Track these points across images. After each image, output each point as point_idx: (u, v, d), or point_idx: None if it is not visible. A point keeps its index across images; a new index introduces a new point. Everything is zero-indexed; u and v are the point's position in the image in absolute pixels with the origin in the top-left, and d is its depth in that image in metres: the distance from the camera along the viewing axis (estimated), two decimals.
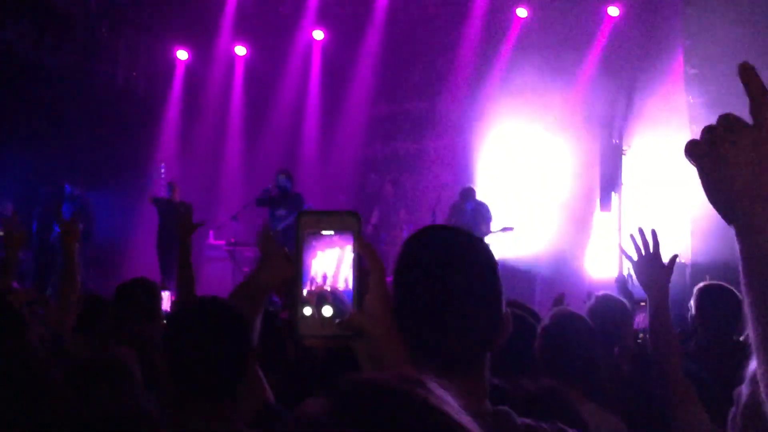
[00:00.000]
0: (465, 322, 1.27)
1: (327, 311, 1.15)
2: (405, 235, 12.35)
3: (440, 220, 10.52)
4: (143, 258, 11.43)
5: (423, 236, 1.37)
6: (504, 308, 1.33)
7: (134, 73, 13.64)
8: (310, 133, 14.13)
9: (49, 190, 11.46)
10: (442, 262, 1.30)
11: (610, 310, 3.91)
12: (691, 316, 3.90)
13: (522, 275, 10.55)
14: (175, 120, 13.76)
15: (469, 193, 10.28)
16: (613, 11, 11.67)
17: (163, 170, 11.86)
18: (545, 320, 3.20)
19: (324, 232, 1.17)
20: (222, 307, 2.07)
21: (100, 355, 2.34)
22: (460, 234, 1.36)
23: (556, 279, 10.61)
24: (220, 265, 12.08)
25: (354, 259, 1.17)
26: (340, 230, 1.18)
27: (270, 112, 13.85)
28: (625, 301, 4.17)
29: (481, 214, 10.06)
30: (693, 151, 1.10)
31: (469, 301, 1.28)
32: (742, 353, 2.99)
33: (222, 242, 12.48)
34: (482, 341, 1.30)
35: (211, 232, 12.53)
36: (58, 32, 12.17)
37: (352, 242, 1.17)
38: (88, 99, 12.32)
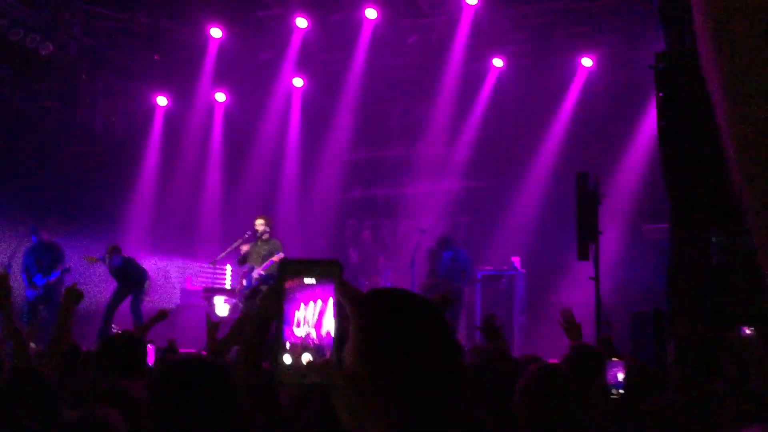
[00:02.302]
0: (429, 385, 1.28)
1: (306, 359, 1.16)
2: (383, 280, 12.35)
3: (419, 266, 10.52)
4: (120, 307, 11.29)
5: (379, 304, 1.35)
6: (455, 338, 1.36)
7: (113, 119, 13.63)
8: (289, 178, 14.17)
9: (22, 234, 11.31)
10: (399, 331, 1.29)
11: (586, 360, 3.93)
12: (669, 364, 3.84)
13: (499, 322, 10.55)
14: (154, 165, 13.74)
15: (446, 241, 10.32)
16: (587, 62, 11.92)
17: None
18: (523, 376, 3.21)
19: (306, 281, 1.18)
20: (205, 366, 2.07)
21: (87, 416, 2.30)
22: (410, 297, 1.36)
23: (534, 326, 10.65)
24: (197, 311, 11.98)
25: (335, 308, 1.18)
26: (321, 279, 1.19)
27: (249, 158, 13.89)
28: (600, 352, 4.18)
29: (459, 263, 10.09)
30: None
31: (417, 347, 1.29)
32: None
33: (199, 288, 12.41)
34: (442, 376, 1.31)
35: (188, 278, 12.46)
36: (37, 77, 12.17)
37: (332, 291, 1.18)
38: (66, 144, 12.28)
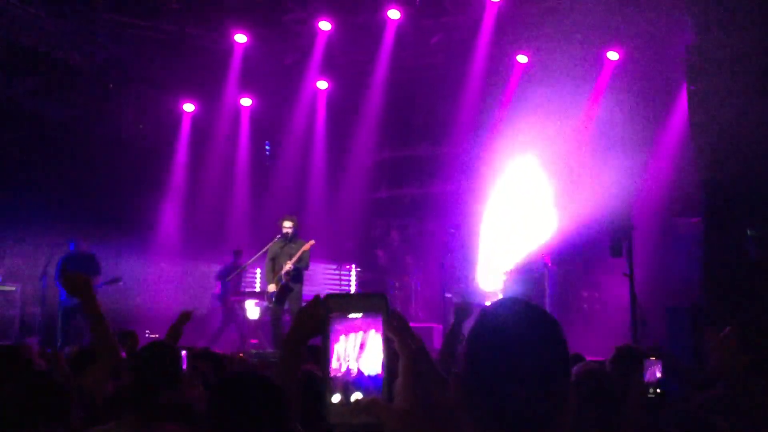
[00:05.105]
0: (532, 398, 1.30)
1: (356, 398, 1.13)
2: (412, 280, 12.34)
3: (449, 266, 10.47)
4: (151, 311, 11.40)
5: (498, 310, 1.40)
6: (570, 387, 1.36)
7: (141, 126, 13.76)
8: (316, 180, 14.21)
9: (55, 243, 11.42)
10: (515, 339, 1.33)
11: (630, 361, 3.90)
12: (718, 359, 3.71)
13: None
14: (182, 171, 13.85)
15: None
16: (613, 55, 11.81)
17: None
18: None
19: (351, 315, 1.16)
20: (261, 383, 2.09)
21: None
22: (535, 310, 1.39)
23: (569, 322, 10.56)
24: (219, 320, 12.05)
25: (383, 343, 1.15)
26: (367, 312, 1.16)
27: (276, 162, 13.95)
28: (641, 350, 4.15)
29: None
30: None
31: (539, 379, 1.31)
32: None
33: None
34: (549, 414, 1.32)
35: (218, 283, 12.54)
36: (65, 86, 12.31)
37: (380, 325, 1.15)
38: (95, 152, 12.40)
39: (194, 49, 12.92)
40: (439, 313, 10.54)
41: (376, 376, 1.14)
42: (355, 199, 13.91)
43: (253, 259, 10.72)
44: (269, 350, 9.46)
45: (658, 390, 3.63)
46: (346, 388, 1.13)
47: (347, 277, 13.59)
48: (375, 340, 1.15)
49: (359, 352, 1.14)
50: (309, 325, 1.91)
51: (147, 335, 10.84)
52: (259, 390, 2.04)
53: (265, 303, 10.48)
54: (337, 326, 1.15)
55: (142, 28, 12.49)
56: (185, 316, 5.44)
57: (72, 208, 11.53)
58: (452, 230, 10.50)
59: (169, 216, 13.48)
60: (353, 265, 13.48)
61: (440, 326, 10.42)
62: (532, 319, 1.37)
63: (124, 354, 4.66)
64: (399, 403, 1.14)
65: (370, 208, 14.19)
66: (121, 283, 10.84)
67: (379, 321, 1.16)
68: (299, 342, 1.99)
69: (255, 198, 13.97)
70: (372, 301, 1.18)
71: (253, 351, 9.51)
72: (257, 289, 13.11)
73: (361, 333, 1.15)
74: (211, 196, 13.76)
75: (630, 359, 3.84)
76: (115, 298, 10.79)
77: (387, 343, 1.16)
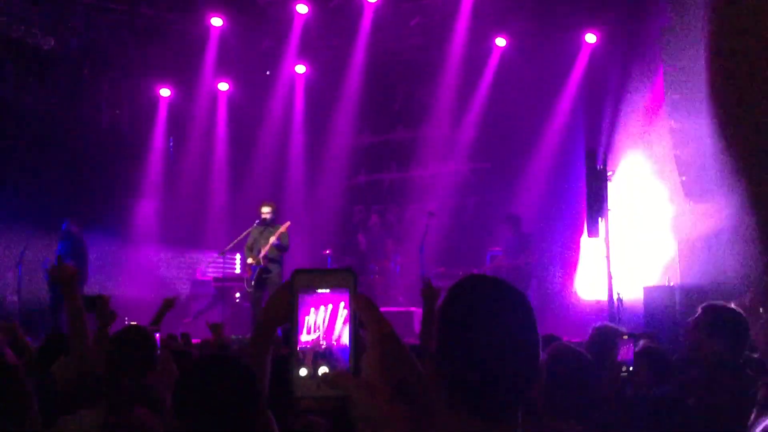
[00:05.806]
0: (505, 373, 1.33)
1: (323, 371, 1.14)
2: (392, 265, 12.33)
3: (429, 250, 10.48)
4: (128, 298, 11.31)
5: (467, 287, 1.42)
6: (540, 361, 1.40)
7: (118, 112, 13.63)
8: (295, 165, 14.16)
9: (31, 231, 11.30)
10: (484, 315, 1.36)
11: (607, 341, 3.91)
12: (693, 340, 3.69)
13: None
14: (160, 157, 13.74)
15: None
16: (591, 38, 11.82)
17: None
18: (542, 357, 3.19)
19: (319, 290, 1.17)
20: (230, 364, 2.08)
21: (123, 420, 2.30)
22: (503, 287, 1.41)
23: (545, 304, 10.63)
24: (207, 301, 12.03)
25: (350, 316, 1.16)
26: (335, 287, 1.17)
27: (254, 147, 13.86)
28: (618, 329, 4.17)
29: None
30: None
31: (510, 354, 1.34)
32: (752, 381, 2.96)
33: (209, 278, 12.43)
34: (519, 391, 1.36)
35: (198, 269, 12.48)
36: (40, 74, 12.15)
37: (348, 299, 1.16)
38: (72, 139, 12.29)
39: (170, 33, 12.79)
40: (419, 298, 10.58)
41: (344, 349, 1.14)
42: (335, 184, 13.89)
43: (232, 243, 10.67)
44: (249, 336, 9.45)
45: (631, 368, 3.66)
46: (314, 361, 1.14)
47: (327, 263, 13.58)
48: (343, 314, 1.16)
49: (327, 325, 1.15)
50: (281, 309, 1.90)
51: (126, 322, 10.78)
52: (226, 372, 2.02)
53: (245, 288, 10.48)
54: (306, 299, 1.16)
55: (117, 13, 12.33)
56: (169, 303, 5.42)
57: (48, 196, 11.43)
58: (430, 214, 10.46)
59: (147, 202, 13.39)
60: (332, 250, 13.46)
61: (420, 310, 10.44)
62: (500, 295, 1.39)
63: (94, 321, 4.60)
64: (366, 377, 1.14)
65: (349, 193, 14.17)
66: (99, 270, 10.79)
67: (347, 295, 1.16)
68: (271, 326, 1.98)
69: (233, 183, 13.89)
70: (340, 275, 1.18)
71: (233, 337, 9.50)
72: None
73: (330, 306, 1.16)
74: (189, 182, 13.68)
75: (605, 339, 3.86)
76: (92, 285, 10.73)
77: (355, 317, 1.16)
